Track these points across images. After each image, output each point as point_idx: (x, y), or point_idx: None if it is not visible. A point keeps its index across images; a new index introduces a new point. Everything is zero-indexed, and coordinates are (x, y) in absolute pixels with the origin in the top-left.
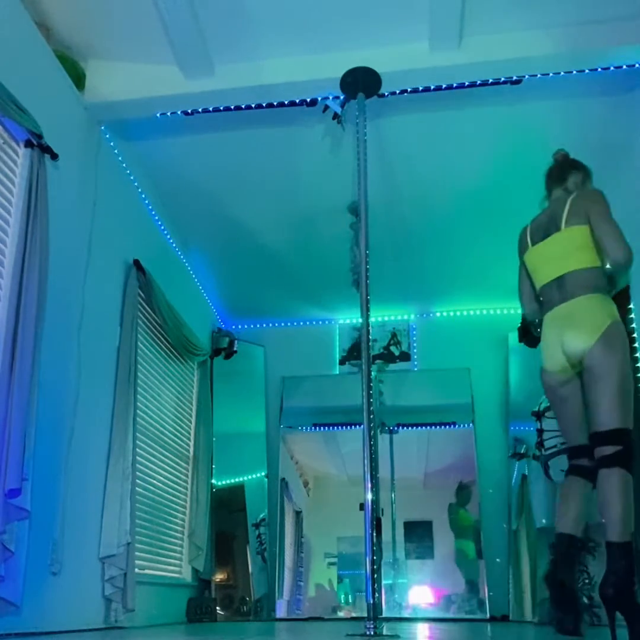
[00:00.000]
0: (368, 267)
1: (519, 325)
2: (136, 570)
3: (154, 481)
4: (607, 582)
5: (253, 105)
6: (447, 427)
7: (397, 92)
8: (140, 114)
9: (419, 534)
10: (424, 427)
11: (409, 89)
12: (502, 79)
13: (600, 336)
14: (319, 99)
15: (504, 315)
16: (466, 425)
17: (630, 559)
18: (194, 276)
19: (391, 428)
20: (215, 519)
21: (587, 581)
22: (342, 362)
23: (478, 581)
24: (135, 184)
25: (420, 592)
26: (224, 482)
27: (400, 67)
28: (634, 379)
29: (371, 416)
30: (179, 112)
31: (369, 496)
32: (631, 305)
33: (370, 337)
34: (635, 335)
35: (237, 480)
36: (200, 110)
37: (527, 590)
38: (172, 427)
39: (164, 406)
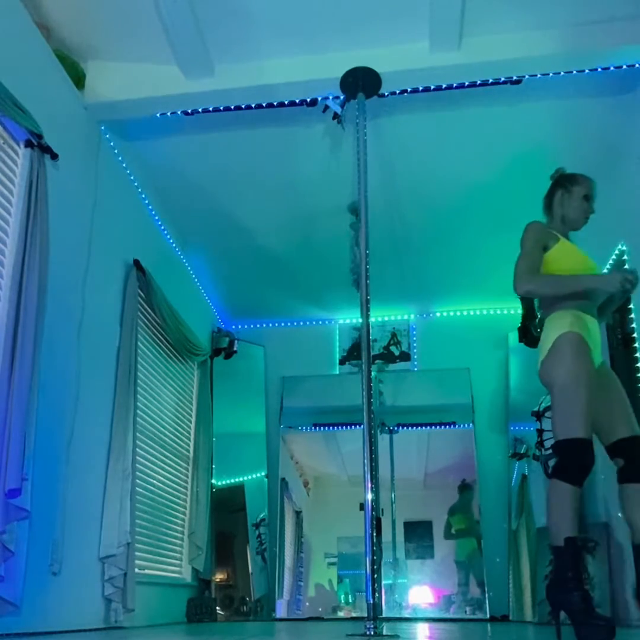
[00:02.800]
0: (368, 267)
1: (519, 325)
2: (136, 570)
3: (154, 481)
4: (549, 584)
5: (253, 105)
6: (447, 427)
7: (397, 92)
8: (140, 114)
9: (419, 534)
10: (424, 427)
11: (409, 89)
12: (502, 79)
13: (546, 354)
14: (319, 99)
15: (504, 315)
16: (466, 425)
17: (564, 561)
18: (194, 276)
19: (391, 428)
20: (215, 519)
21: (586, 581)
22: (342, 362)
23: (483, 581)
24: (135, 184)
25: (420, 592)
26: (224, 482)
27: (400, 67)
28: (591, 384)
29: (371, 416)
30: (179, 112)
31: (369, 496)
32: (631, 306)
33: (370, 337)
34: (635, 335)
35: (237, 480)
36: (200, 110)
37: (527, 590)
38: (172, 427)
39: (164, 406)
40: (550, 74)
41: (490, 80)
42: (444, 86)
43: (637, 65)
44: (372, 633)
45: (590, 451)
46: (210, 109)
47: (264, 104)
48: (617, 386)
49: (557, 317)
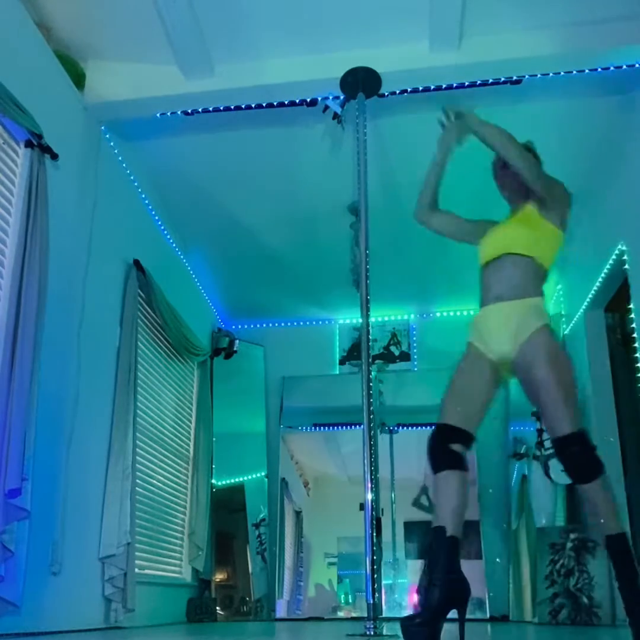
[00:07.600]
0: (368, 267)
1: None
2: (136, 570)
3: (154, 481)
4: None
5: (253, 105)
6: None
7: (397, 92)
8: (140, 114)
9: (419, 534)
10: (424, 427)
11: (409, 89)
12: (502, 79)
13: None
14: (319, 99)
15: None
16: None
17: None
18: (194, 276)
19: (391, 428)
20: (215, 519)
21: (587, 581)
22: (342, 362)
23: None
24: (135, 184)
25: None
26: (224, 482)
27: (400, 67)
28: None
29: (371, 416)
30: (179, 112)
31: (369, 496)
32: (631, 305)
33: (370, 337)
34: (635, 335)
35: (237, 480)
36: (200, 110)
37: (527, 590)
38: (172, 427)
39: (164, 406)
40: (550, 74)
41: (490, 80)
42: (444, 86)
43: (637, 65)
44: (372, 633)
45: (440, 434)
46: (210, 109)
47: (264, 104)
48: (543, 384)
49: None
